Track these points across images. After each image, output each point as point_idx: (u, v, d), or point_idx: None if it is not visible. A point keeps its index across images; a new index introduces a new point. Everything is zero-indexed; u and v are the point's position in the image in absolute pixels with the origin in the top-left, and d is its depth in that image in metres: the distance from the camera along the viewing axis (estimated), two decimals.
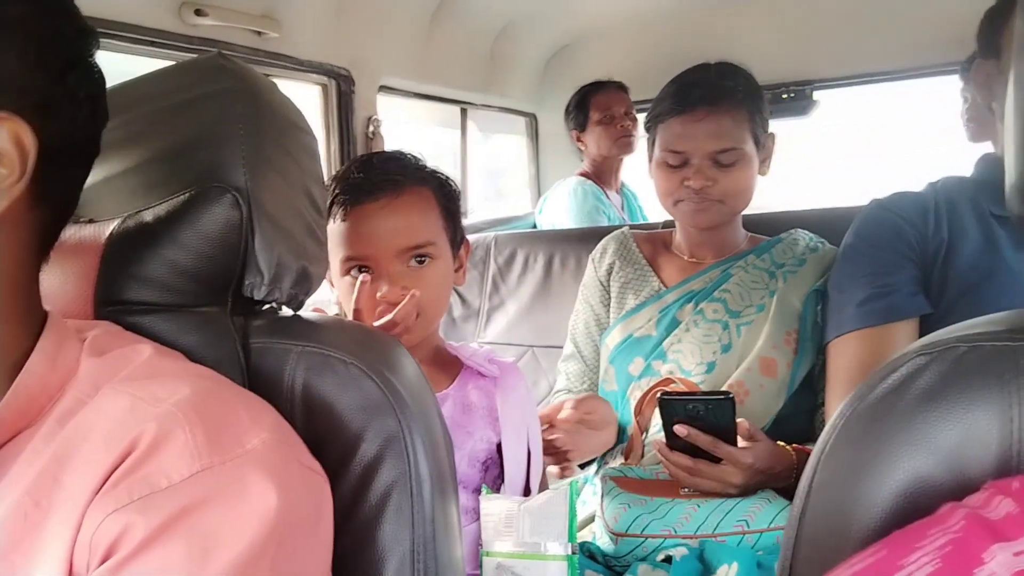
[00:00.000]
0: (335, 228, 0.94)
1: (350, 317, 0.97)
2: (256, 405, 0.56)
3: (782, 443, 1.07)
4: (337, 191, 0.95)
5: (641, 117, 2.46)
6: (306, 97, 1.67)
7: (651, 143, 1.28)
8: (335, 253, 0.94)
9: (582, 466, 1.26)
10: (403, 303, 0.88)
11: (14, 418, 0.50)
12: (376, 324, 0.88)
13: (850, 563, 0.41)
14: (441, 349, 1.02)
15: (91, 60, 0.54)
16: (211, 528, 0.45)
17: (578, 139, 2.40)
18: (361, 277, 0.90)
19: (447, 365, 1.01)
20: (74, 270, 0.64)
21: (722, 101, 1.17)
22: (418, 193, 0.96)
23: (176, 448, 0.47)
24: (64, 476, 0.47)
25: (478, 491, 0.92)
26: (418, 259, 0.94)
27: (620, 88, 2.36)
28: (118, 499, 0.45)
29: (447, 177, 1.02)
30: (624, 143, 2.33)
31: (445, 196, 0.99)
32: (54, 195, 0.53)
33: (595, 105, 2.33)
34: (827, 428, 0.52)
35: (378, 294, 0.91)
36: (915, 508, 0.45)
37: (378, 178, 0.94)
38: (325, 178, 0.97)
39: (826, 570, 0.44)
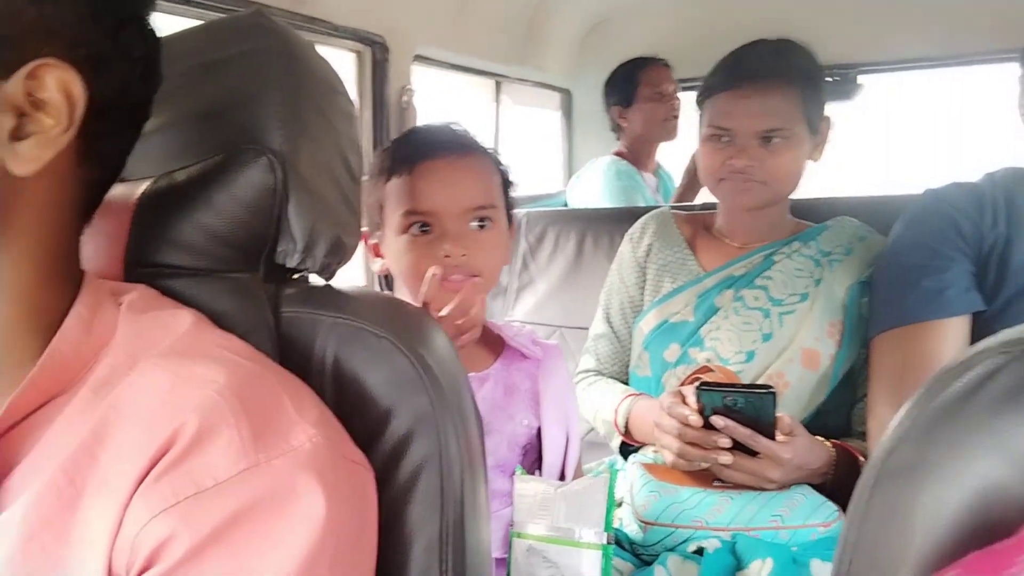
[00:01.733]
0: (396, 183, 0.92)
1: (401, 281, 0.95)
2: (299, 392, 0.54)
3: (821, 438, 1.03)
4: (400, 149, 0.94)
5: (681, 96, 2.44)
6: (342, 64, 1.65)
7: (700, 119, 1.23)
8: (395, 208, 0.92)
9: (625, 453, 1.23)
10: (463, 292, 0.86)
11: (47, 383, 0.48)
12: (441, 314, 0.85)
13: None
14: (485, 327, 1.00)
15: (146, 20, 0.53)
16: (260, 540, 0.44)
17: (620, 116, 2.29)
18: (432, 271, 0.87)
19: (490, 344, 0.99)
20: (103, 230, 0.62)
21: (774, 78, 1.13)
22: (482, 157, 0.96)
23: (221, 444, 0.45)
24: (102, 455, 0.46)
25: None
26: (480, 222, 0.92)
27: (667, 66, 2.28)
28: (163, 498, 0.43)
29: (500, 157, 1.02)
30: (671, 125, 2.24)
31: (502, 169, 0.99)
32: (102, 155, 0.52)
33: (645, 80, 2.23)
34: (892, 427, 0.49)
35: (441, 254, 0.89)
36: (988, 520, 0.42)
37: (445, 137, 0.94)
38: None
39: (886, 573, 0.41)
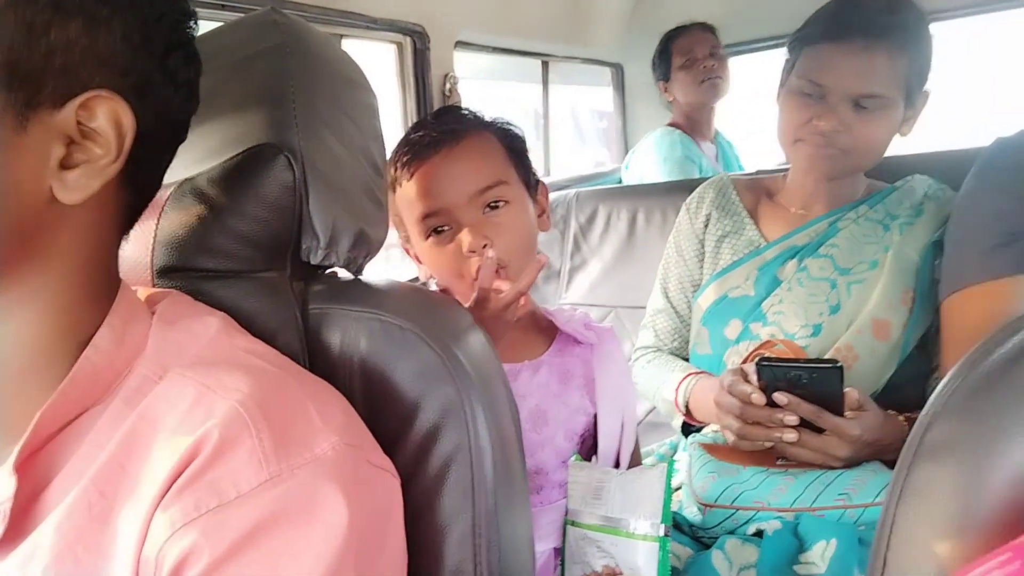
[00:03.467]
0: (405, 191, 0.91)
1: (436, 284, 0.94)
2: (325, 396, 0.54)
3: (895, 412, 0.97)
4: (397, 159, 0.92)
5: (735, 62, 2.35)
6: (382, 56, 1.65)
7: (788, 67, 1.13)
8: (411, 216, 0.92)
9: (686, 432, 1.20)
10: (481, 265, 0.83)
11: (80, 394, 0.49)
12: (471, 303, 0.83)
13: (968, 571, 0.35)
14: (536, 313, 0.97)
15: (191, 43, 0.54)
16: (282, 553, 0.43)
17: (665, 90, 2.26)
18: (479, 260, 0.85)
19: (543, 330, 0.97)
20: (133, 237, 0.64)
21: (885, 38, 1.01)
22: (478, 137, 0.92)
23: (243, 454, 0.45)
24: (130, 466, 0.46)
25: None
26: (492, 205, 0.89)
27: (703, 28, 2.21)
28: (186, 511, 0.43)
29: (508, 122, 0.97)
30: (708, 86, 2.17)
31: (508, 138, 0.95)
32: (142, 177, 0.53)
33: (676, 50, 2.19)
34: (933, 397, 0.45)
35: (464, 249, 0.87)
36: None
37: (435, 131, 0.90)
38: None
39: (925, 553, 0.38)
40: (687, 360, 1.24)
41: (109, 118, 0.46)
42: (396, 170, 0.92)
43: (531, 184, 0.96)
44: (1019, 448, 0.40)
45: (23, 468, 0.46)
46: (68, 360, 0.49)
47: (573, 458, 0.87)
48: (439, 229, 0.90)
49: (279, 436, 0.46)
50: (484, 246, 0.86)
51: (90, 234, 0.50)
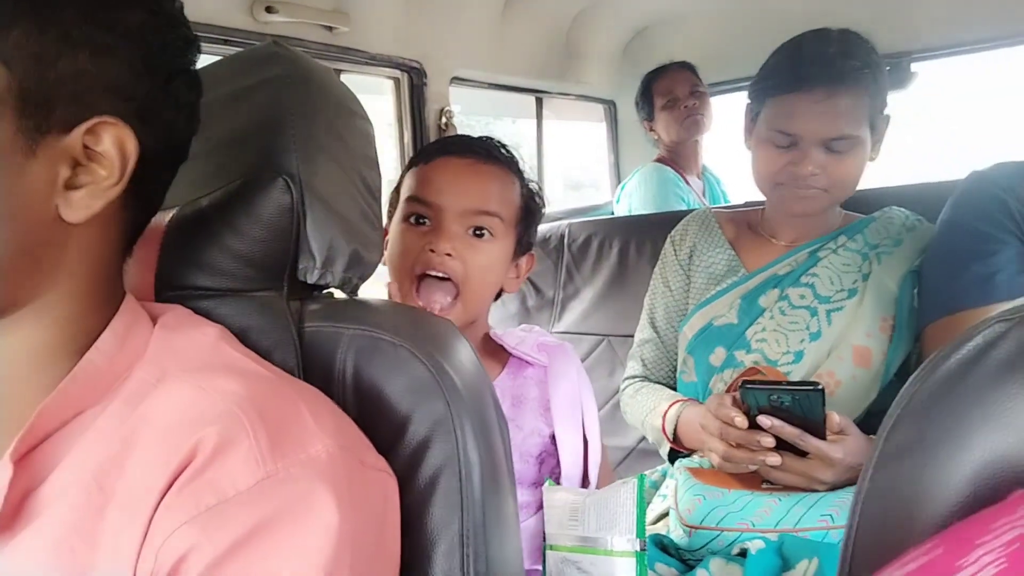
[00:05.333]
0: (413, 172, 0.94)
1: (390, 265, 0.96)
2: (317, 403, 0.56)
3: (876, 437, 0.99)
4: (429, 144, 0.97)
5: (722, 99, 2.41)
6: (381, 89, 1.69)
7: (752, 115, 1.17)
8: (404, 194, 0.94)
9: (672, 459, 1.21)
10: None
11: (80, 393, 0.51)
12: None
13: (902, 561, 0.37)
14: (489, 338, 0.99)
15: (193, 67, 0.56)
16: (278, 553, 0.45)
17: (650, 129, 2.33)
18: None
19: (495, 354, 0.98)
20: (136, 257, 0.66)
21: (843, 81, 1.05)
22: (505, 171, 0.95)
23: (241, 454, 0.46)
24: (129, 464, 0.48)
25: (535, 485, 0.90)
26: (477, 231, 0.91)
27: (683, 68, 2.27)
28: (186, 509, 0.45)
29: (538, 188, 1.00)
30: (691, 124, 2.23)
31: (530, 197, 0.98)
32: (144, 196, 0.55)
33: (657, 91, 2.26)
34: (894, 403, 0.47)
35: (428, 247, 0.89)
36: (991, 493, 0.40)
37: (474, 144, 0.94)
38: (397, 174, 0.99)
39: (890, 558, 0.39)
40: (675, 389, 1.26)
41: (114, 143, 0.48)
42: (419, 153, 0.95)
43: (523, 245, 0.99)
44: (976, 446, 0.42)
45: (21, 462, 0.48)
46: (71, 362, 0.51)
47: (547, 483, 0.88)
48: (420, 219, 0.92)
49: (274, 436, 0.48)
50: (448, 255, 0.88)
51: (95, 250, 0.53)
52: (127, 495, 0.47)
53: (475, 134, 1.02)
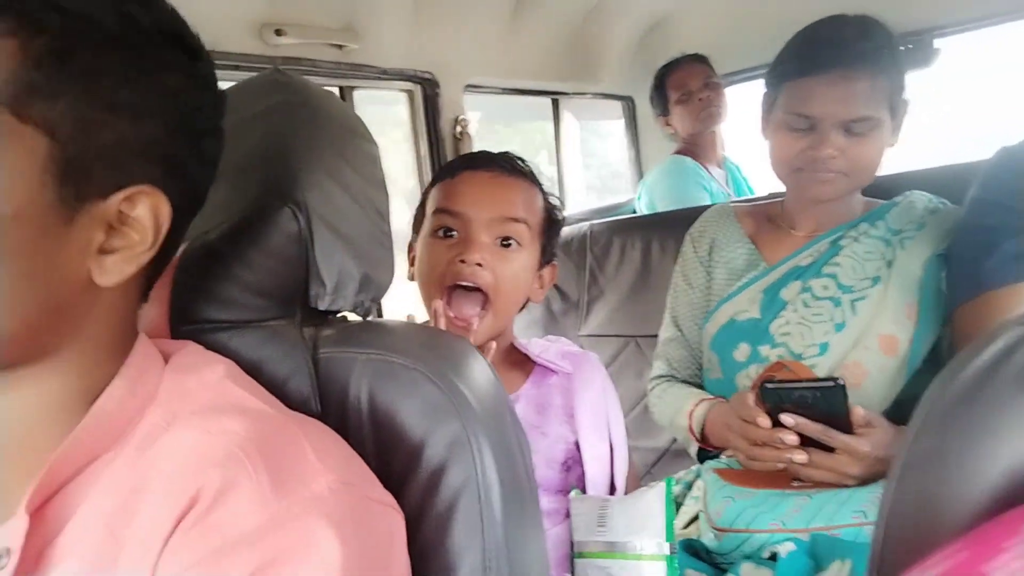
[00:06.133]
0: (438, 187, 0.97)
1: (420, 279, 0.98)
2: (321, 438, 0.55)
3: (904, 427, 0.97)
4: (454, 160, 1.00)
5: (737, 88, 2.38)
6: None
7: (769, 102, 1.16)
8: (430, 208, 0.96)
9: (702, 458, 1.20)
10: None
11: (92, 440, 0.51)
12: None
13: (927, 564, 0.36)
14: (514, 348, 1.00)
15: (220, 124, 0.57)
16: None
17: (666, 123, 2.31)
18: (435, 304, 0.90)
19: (520, 364, 0.99)
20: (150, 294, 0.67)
21: (861, 64, 1.05)
22: (529, 184, 0.98)
23: (244, 495, 0.46)
24: (140, 510, 0.48)
25: (561, 492, 0.89)
26: (505, 241, 0.93)
27: (696, 60, 2.25)
28: (191, 551, 0.45)
29: (557, 201, 1.03)
30: (706, 116, 2.22)
31: (551, 209, 1.01)
32: (165, 250, 0.55)
33: (671, 85, 2.24)
34: (916, 411, 0.46)
35: (458, 259, 0.91)
36: (1015, 498, 0.39)
37: (496, 158, 0.97)
38: (416, 182, 1.01)
39: (918, 562, 0.38)
40: (702, 386, 1.24)
41: (149, 210, 0.49)
42: (444, 169, 0.98)
43: (546, 256, 1.01)
44: (1000, 454, 0.40)
45: (37, 513, 0.48)
46: (83, 410, 0.51)
47: (573, 492, 0.88)
48: (448, 231, 0.93)
49: (277, 475, 0.48)
50: (478, 264, 0.90)
51: (118, 307, 0.53)
52: (137, 542, 0.47)
53: (501, 139, 1.05)
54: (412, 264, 1.00)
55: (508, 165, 0.96)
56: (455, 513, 0.60)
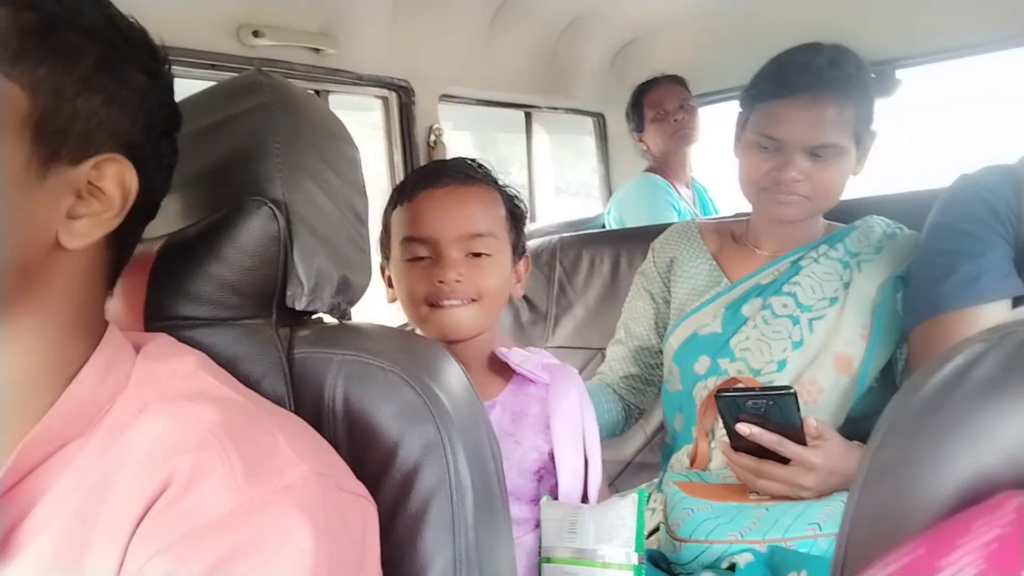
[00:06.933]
0: (399, 212, 0.96)
1: (402, 304, 0.98)
2: (294, 429, 0.56)
3: (858, 442, 1.00)
4: (408, 179, 0.98)
5: (711, 108, 2.43)
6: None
7: (742, 122, 1.20)
8: (396, 236, 0.96)
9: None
10: None
11: (63, 425, 0.52)
12: None
13: (886, 562, 0.37)
14: (495, 355, 1.00)
15: (177, 133, 0.62)
16: None
17: (640, 140, 2.35)
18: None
19: (500, 371, 0.99)
20: (125, 289, 0.66)
21: (830, 90, 1.07)
22: (486, 189, 0.97)
23: (215, 481, 0.47)
24: (109, 495, 0.49)
25: (533, 502, 0.90)
26: (475, 254, 0.94)
27: (673, 81, 2.30)
28: (160, 537, 0.45)
29: (517, 192, 1.03)
30: (680, 136, 2.27)
31: (512, 203, 1.01)
32: (123, 239, 0.58)
33: (648, 103, 2.29)
34: (879, 422, 0.48)
35: (435, 280, 0.92)
36: (974, 504, 0.41)
37: (448, 169, 0.96)
38: (389, 187, 1.00)
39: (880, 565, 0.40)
40: (631, 388, 1.31)
41: (116, 178, 0.53)
42: (399, 191, 0.97)
43: (518, 251, 1.01)
44: (961, 466, 0.42)
45: (6, 496, 0.49)
46: (53, 395, 0.52)
47: (544, 498, 0.88)
48: (420, 256, 0.94)
49: (249, 463, 0.48)
50: (457, 281, 0.90)
51: (80, 282, 0.55)
52: (107, 527, 0.47)
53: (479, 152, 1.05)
54: (390, 286, 1.00)
55: (461, 175, 0.96)
56: (428, 514, 0.61)
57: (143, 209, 0.58)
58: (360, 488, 0.57)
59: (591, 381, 1.33)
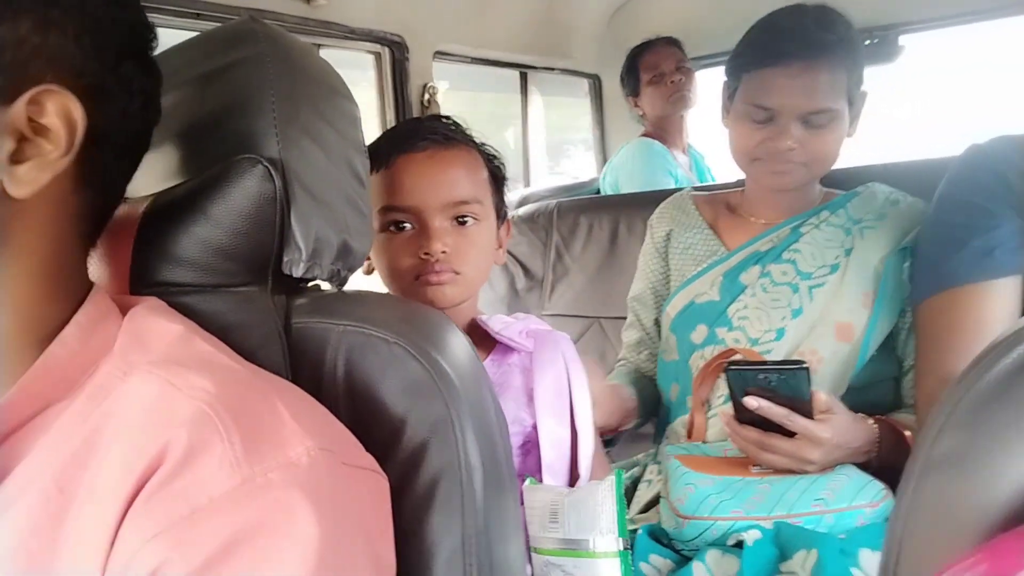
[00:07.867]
0: (376, 179, 0.89)
1: (383, 277, 0.93)
2: (296, 399, 0.52)
3: (863, 415, 0.98)
4: (381, 142, 0.91)
5: (708, 72, 2.37)
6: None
7: (729, 91, 1.16)
8: (375, 205, 0.89)
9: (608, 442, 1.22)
10: None
11: (41, 388, 0.49)
12: None
13: (942, 572, 0.34)
14: (476, 323, 0.95)
15: (147, 55, 0.54)
16: (256, 567, 0.42)
17: (635, 104, 2.29)
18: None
19: (482, 340, 0.94)
20: (109, 251, 0.62)
21: (821, 55, 1.04)
22: (467, 151, 0.92)
23: (214, 459, 0.43)
24: (92, 463, 0.45)
25: (519, 477, 0.86)
26: (461, 219, 0.89)
27: (669, 43, 2.24)
28: (156, 521, 0.42)
29: (495, 151, 0.98)
30: (677, 99, 2.21)
31: (493, 164, 0.95)
32: (101, 181, 0.53)
33: (643, 66, 2.22)
34: (936, 410, 0.44)
35: (421, 252, 0.87)
36: None
37: (426, 131, 0.90)
38: None
39: (935, 570, 0.37)
40: (654, 370, 1.28)
41: (59, 113, 0.46)
42: (375, 155, 0.88)
43: (501, 215, 0.97)
44: None
45: None
46: (31, 356, 0.49)
47: (528, 481, 0.85)
48: (401, 225, 0.89)
49: (250, 438, 0.45)
50: (443, 252, 0.86)
51: (49, 232, 0.50)
52: (90, 497, 0.44)
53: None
54: (367, 258, 0.95)
55: (441, 136, 0.90)
56: (435, 496, 0.58)
57: (119, 143, 0.53)
58: (369, 461, 0.53)
59: (617, 369, 1.31)
